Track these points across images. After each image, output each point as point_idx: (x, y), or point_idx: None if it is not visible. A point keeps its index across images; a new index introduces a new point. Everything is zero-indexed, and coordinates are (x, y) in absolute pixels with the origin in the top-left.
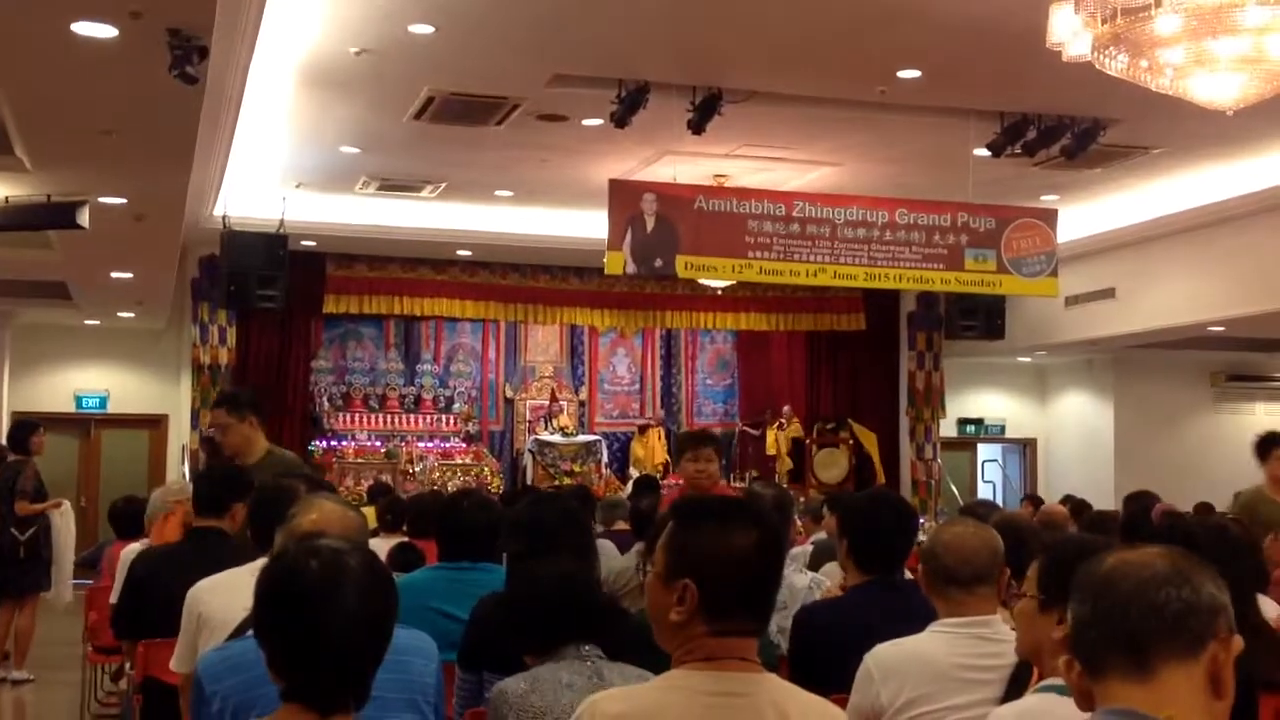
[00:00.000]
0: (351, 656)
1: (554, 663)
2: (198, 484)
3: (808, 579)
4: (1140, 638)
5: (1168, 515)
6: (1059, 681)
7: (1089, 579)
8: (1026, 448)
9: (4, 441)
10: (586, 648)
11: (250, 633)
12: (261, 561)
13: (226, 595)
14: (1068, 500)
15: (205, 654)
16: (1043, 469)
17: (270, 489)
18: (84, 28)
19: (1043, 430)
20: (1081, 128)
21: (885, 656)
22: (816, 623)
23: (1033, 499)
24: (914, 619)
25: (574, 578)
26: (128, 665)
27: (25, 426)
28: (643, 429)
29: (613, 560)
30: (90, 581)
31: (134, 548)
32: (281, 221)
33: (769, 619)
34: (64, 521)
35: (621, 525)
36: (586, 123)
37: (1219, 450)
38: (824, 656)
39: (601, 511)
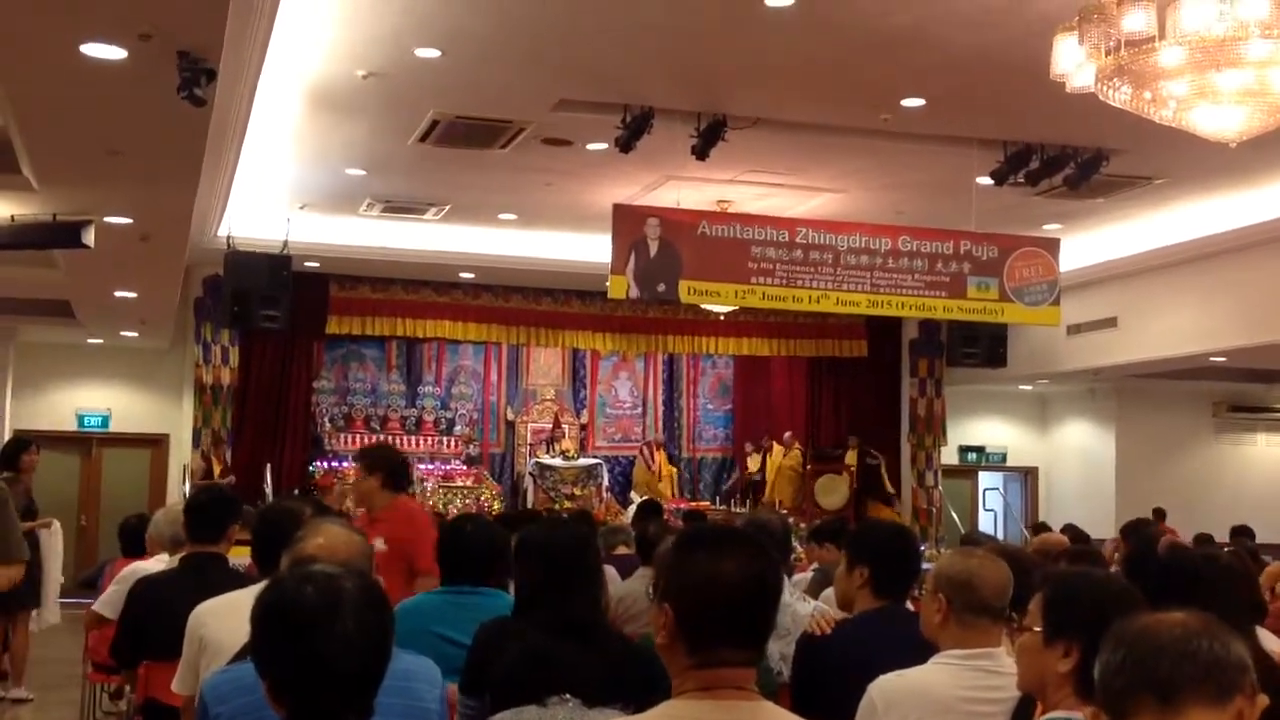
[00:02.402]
0: (351, 679)
1: (538, 707)
2: (190, 511)
3: (811, 606)
4: (1171, 682)
5: (1172, 548)
6: (1064, 714)
7: (1123, 631)
8: (1028, 476)
9: None
10: (566, 695)
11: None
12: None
13: (229, 618)
14: (1068, 529)
15: (211, 675)
16: (1044, 497)
17: (274, 512)
18: (93, 49)
19: (1044, 459)
20: (1084, 158)
21: (889, 687)
22: (820, 650)
23: (1071, 529)
24: (920, 648)
25: (549, 656)
26: (128, 687)
27: (18, 444)
28: (651, 450)
29: (615, 585)
30: (91, 600)
31: (136, 566)
32: (285, 242)
33: (760, 649)
34: (52, 541)
35: (623, 550)
36: (591, 147)
37: (1220, 480)
38: (824, 682)
39: (603, 537)
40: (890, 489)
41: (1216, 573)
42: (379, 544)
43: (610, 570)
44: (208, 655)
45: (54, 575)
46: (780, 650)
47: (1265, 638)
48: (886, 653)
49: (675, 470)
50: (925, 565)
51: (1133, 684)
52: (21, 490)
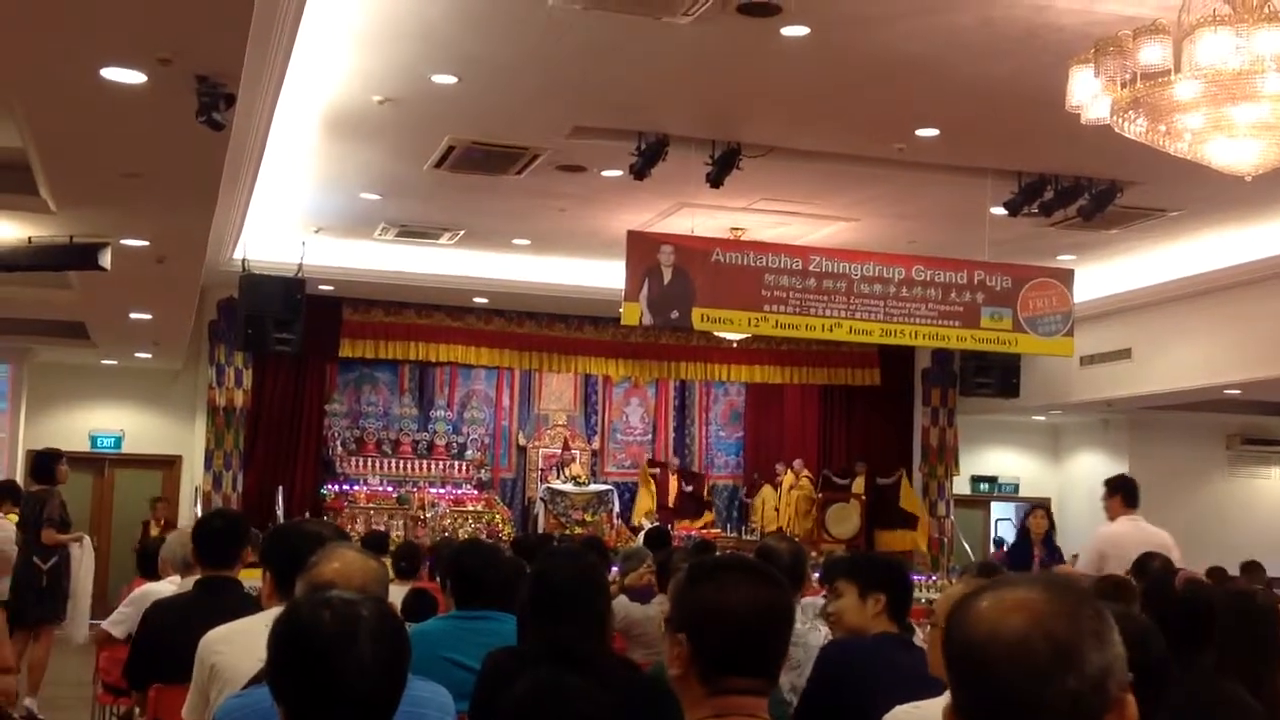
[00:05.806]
0: (367, 706)
1: None
2: (201, 536)
3: (822, 635)
4: None
5: (1190, 583)
6: None
7: (964, 655)
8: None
9: (26, 475)
10: None
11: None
12: (274, 611)
13: (240, 646)
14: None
15: (225, 700)
16: (1056, 529)
17: (289, 536)
18: (113, 73)
19: (1056, 490)
20: (1099, 189)
21: None
22: (844, 658)
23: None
24: (922, 677)
25: (558, 687)
26: (137, 710)
27: (49, 455)
28: (656, 472)
29: (632, 610)
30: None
31: (148, 588)
32: (300, 266)
33: (772, 678)
34: (84, 556)
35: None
36: (606, 174)
37: (1233, 513)
38: (837, 689)
39: (623, 562)
40: (910, 510)
41: (1236, 612)
42: None
43: (620, 597)
44: (219, 683)
45: (85, 592)
46: (791, 682)
47: None
48: (902, 671)
49: (702, 488)
50: (935, 595)
51: None
52: (58, 502)
